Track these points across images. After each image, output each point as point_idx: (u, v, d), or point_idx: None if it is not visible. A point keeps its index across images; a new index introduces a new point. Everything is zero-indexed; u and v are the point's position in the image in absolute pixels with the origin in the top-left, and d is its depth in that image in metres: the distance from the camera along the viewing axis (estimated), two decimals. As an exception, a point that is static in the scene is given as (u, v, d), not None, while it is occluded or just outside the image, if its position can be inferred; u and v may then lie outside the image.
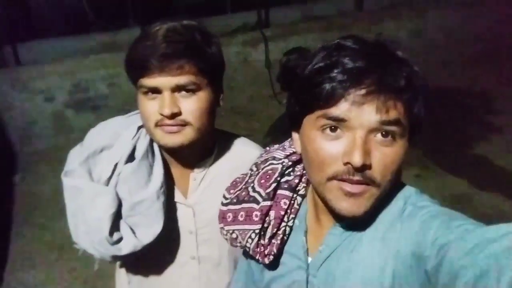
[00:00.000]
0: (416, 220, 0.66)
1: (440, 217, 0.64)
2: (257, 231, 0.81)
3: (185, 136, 0.95)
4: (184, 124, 0.94)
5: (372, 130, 0.64)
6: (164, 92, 0.91)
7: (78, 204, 0.96)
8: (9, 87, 3.59)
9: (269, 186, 0.82)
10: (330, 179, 0.66)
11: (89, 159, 0.99)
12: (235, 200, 0.88)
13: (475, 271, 0.49)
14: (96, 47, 4.10)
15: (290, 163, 0.83)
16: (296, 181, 0.83)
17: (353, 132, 0.64)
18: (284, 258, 0.84)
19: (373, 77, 0.62)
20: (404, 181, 0.75)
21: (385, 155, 0.65)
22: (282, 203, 0.82)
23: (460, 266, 0.52)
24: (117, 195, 0.97)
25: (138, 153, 0.99)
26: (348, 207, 0.66)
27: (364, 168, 0.63)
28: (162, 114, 0.91)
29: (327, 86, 0.63)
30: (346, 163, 0.64)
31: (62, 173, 0.99)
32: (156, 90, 0.92)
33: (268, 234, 0.81)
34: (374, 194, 0.66)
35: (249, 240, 0.82)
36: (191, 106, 0.94)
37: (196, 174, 1.09)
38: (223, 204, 0.90)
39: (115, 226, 0.96)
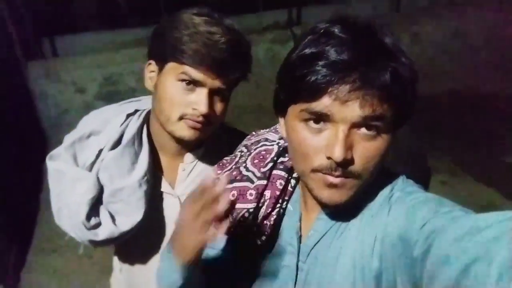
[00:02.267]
0: (404, 205, 0.66)
1: (428, 203, 0.63)
2: (251, 209, 0.79)
3: (203, 133, 0.97)
4: (207, 123, 0.95)
5: (355, 125, 0.63)
6: (205, 89, 0.92)
7: (61, 188, 0.97)
8: (44, 78, 3.75)
9: (265, 166, 0.82)
10: (314, 171, 0.66)
11: (75, 144, 1.00)
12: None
13: (466, 259, 0.48)
14: (129, 42, 4.20)
15: (286, 144, 0.82)
16: (291, 162, 0.81)
17: (336, 126, 0.63)
18: (274, 241, 0.82)
19: (358, 72, 0.60)
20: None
21: (367, 150, 0.64)
22: (277, 183, 0.81)
23: (450, 253, 0.51)
24: (98, 181, 0.97)
25: (124, 141, 0.99)
26: (329, 196, 0.67)
27: (346, 162, 0.63)
28: (195, 109, 0.92)
29: (311, 78, 0.62)
30: (328, 158, 0.64)
31: (47, 157, 1.00)
32: (198, 84, 0.92)
33: (262, 213, 0.80)
34: (355, 185, 0.66)
35: (242, 219, 0.80)
36: (221, 109, 0.97)
37: (186, 164, 1.08)
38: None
39: (94, 212, 0.97)
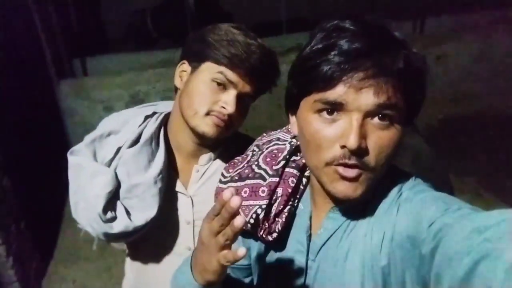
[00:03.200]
0: (413, 204, 0.66)
1: (437, 201, 0.63)
2: (264, 206, 0.80)
3: (224, 132, 1.01)
4: (230, 124, 1.00)
5: (369, 113, 0.63)
6: (235, 91, 0.97)
7: (80, 181, 1.01)
8: (74, 96, 3.90)
9: (278, 163, 0.83)
10: (328, 164, 0.66)
11: (95, 142, 1.05)
12: (236, 178, 0.88)
13: (473, 256, 0.48)
14: (155, 63, 4.34)
15: (298, 143, 0.83)
16: (303, 161, 0.82)
17: (350, 115, 0.63)
18: (285, 240, 0.83)
19: (371, 59, 0.61)
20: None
21: (381, 139, 0.64)
22: (290, 181, 0.81)
23: (457, 250, 0.51)
24: (116, 176, 1.01)
25: (142, 140, 1.03)
26: (343, 190, 0.66)
27: (360, 151, 0.63)
28: (224, 108, 0.97)
29: (325, 68, 0.63)
30: (342, 146, 0.64)
31: (68, 152, 1.04)
32: (228, 86, 0.97)
33: (274, 211, 0.80)
34: (369, 178, 0.66)
35: (254, 215, 0.81)
36: (243, 111, 1.03)
37: (200, 166, 1.11)
38: (221, 182, 0.91)
39: (110, 205, 1.00)
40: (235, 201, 0.61)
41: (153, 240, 1.11)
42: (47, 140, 3.40)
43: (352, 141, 0.62)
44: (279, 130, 0.94)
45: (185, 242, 1.13)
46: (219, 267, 0.69)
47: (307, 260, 0.78)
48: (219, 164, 1.12)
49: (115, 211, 1.00)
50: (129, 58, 4.38)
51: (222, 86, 0.97)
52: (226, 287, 0.90)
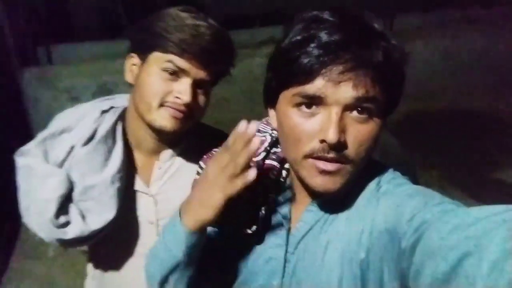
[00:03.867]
0: (393, 197, 0.67)
1: (418, 195, 0.63)
2: (244, 199, 0.77)
3: (184, 125, 0.96)
4: (189, 115, 0.94)
5: (348, 107, 0.63)
6: (189, 79, 0.92)
7: (30, 185, 0.95)
8: (37, 85, 3.75)
9: (258, 155, 0.81)
10: (306, 157, 0.66)
11: (46, 140, 0.98)
12: None
13: (456, 253, 0.47)
14: (125, 52, 4.23)
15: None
16: (283, 152, 0.81)
17: (328, 109, 0.63)
18: (264, 233, 0.82)
19: (350, 52, 0.61)
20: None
21: (360, 133, 0.64)
22: (270, 173, 0.80)
23: (440, 246, 0.50)
24: (69, 178, 0.95)
25: (97, 136, 0.97)
26: (322, 183, 0.66)
27: (339, 145, 0.63)
28: (178, 98, 0.91)
29: (304, 61, 0.62)
30: (321, 141, 0.64)
31: (16, 153, 0.98)
32: (181, 74, 0.91)
33: (254, 203, 0.79)
34: (348, 172, 0.66)
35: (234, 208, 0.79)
36: (202, 102, 0.97)
37: (162, 163, 1.06)
38: (199, 174, 0.89)
39: (63, 209, 0.94)
40: (252, 128, 0.64)
41: (114, 242, 1.06)
42: (9, 130, 3.26)
43: (331, 135, 0.61)
44: (258, 122, 0.93)
45: (149, 243, 1.03)
46: (221, 199, 0.68)
47: (286, 253, 0.78)
48: (183, 160, 1.07)
49: (68, 215, 0.95)
50: (97, 47, 4.25)
51: (175, 75, 0.92)
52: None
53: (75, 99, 3.91)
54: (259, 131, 0.87)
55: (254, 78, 4.22)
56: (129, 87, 0.98)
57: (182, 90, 0.91)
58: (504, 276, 0.41)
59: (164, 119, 0.93)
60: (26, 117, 3.73)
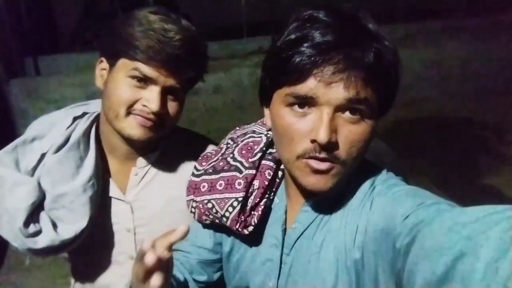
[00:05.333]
0: (387, 197, 0.66)
1: (412, 195, 0.63)
2: (240, 198, 0.79)
3: (154, 133, 0.93)
4: (159, 123, 0.92)
5: (340, 108, 0.63)
6: (157, 87, 0.89)
7: (1, 193, 0.93)
8: (25, 96, 3.73)
9: (254, 155, 0.82)
10: (299, 157, 0.66)
11: (17, 148, 0.96)
12: (211, 170, 0.86)
13: (452, 253, 0.47)
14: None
15: None
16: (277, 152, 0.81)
17: (320, 109, 0.64)
18: (261, 234, 0.82)
19: (342, 53, 0.61)
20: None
21: (352, 134, 0.64)
22: (266, 173, 0.81)
23: (435, 247, 0.50)
24: (40, 186, 0.93)
25: (69, 143, 0.95)
26: (314, 182, 0.67)
27: (330, 145, 0.63)
28: (146, 106, 0.88)
29: (296, 60, 0.62)
30: (313, 141, 0.64)
31: None
32: (148, 81, 0.89)
33: (250, 203, 0.79)
34: (340, 172, 0.67)
35: (230, 209, 0.80)
36: (174, 110, 0.93)
37: (139, 169, 1.03)
38: (195, 175, 0.89)
39: (34, 218, 0.92)
40: (149, 259, 0.60)
41: (92, 250, 1.03)
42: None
43: (322, 135, 0.62)
44: (253, 124, 0.93)
45: (126, 250, 1.05)
46: None
47: (281, 254, 0.78)
48: (161, 166, 1.04)
49: (39, 223, 0.93)
50: (85, 57, 4.24)
51: (143, 82, 0.88)
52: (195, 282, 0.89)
53: (63, 110, 3.89)
54: (254, 132, 0.88)
55: (243, 87, 4.26)
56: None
57: (150, 99, 0.88)
58: (499, 276, 0.41)
59: (132, 128, 0.90)
60: (14, 129, 3.69)
